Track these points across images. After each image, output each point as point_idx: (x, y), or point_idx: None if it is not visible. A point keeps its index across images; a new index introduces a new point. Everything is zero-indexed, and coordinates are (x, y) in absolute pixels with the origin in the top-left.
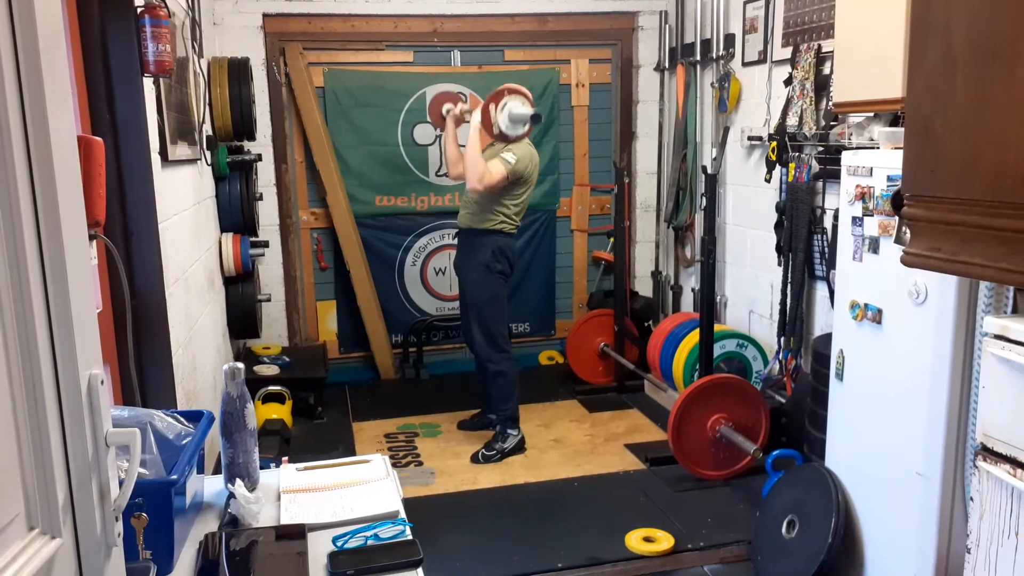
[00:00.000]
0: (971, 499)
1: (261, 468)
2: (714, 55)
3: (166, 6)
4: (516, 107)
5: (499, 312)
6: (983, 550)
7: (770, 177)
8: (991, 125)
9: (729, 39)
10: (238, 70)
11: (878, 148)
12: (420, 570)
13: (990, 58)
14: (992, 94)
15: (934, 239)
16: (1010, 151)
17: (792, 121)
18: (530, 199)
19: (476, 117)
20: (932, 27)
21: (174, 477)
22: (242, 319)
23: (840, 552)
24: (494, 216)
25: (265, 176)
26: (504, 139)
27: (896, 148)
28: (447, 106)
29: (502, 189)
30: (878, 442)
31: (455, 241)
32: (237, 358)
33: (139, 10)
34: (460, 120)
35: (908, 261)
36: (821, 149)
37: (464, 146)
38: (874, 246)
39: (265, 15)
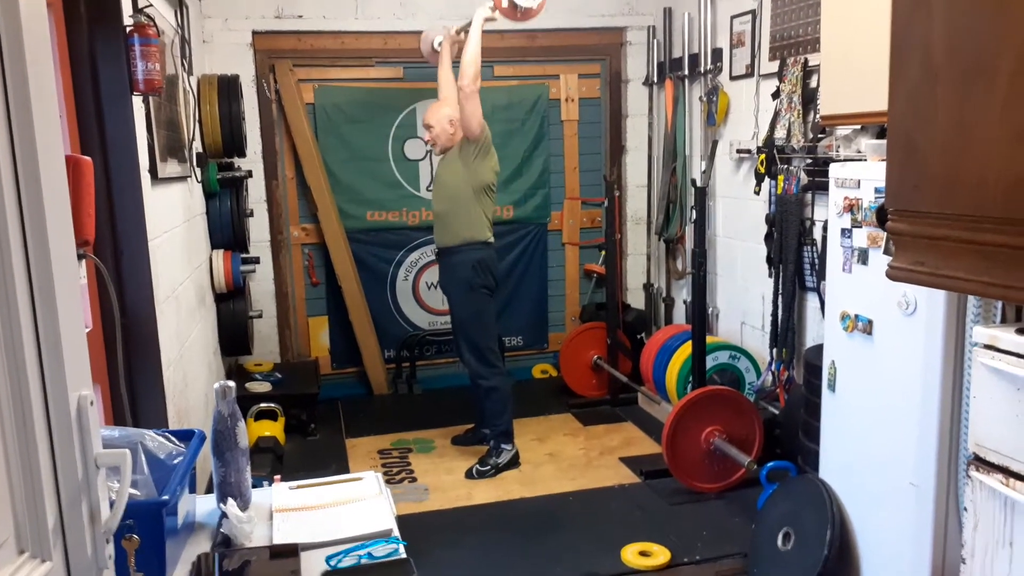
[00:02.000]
0: (965, 509)
1: (253, 487)
2: (702, 69)
3: (155, 25)
4: None
5: (486, 328)
6: (978, 560)
7: (759, 189)
8: (972, 141)
9: (717, 53)
10: (228, 87)
11: (865, 160)
12: None
13: (970, 74)
14: (972, 110)
15: (918, 253)
16: (991, 166)
17: (780, 134)
18: (521, 213)
19: (482, 11)
20: (912, 44)
21: (165, 498)
22: (233, 336)
23: (836, 563)
24: (468, 224)
25: (256, 192)
26: (513, 12)
27: (883, 160)
28: (438, 38)
29: (467, 192)
30: (871, 453)
31: (436, 258)
32: (229, 375)
33: (128, 29)
34: (456, 40)
35: (893, 275)
36: (809, 161)
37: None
38: (863, 257)
39: (255, 32)
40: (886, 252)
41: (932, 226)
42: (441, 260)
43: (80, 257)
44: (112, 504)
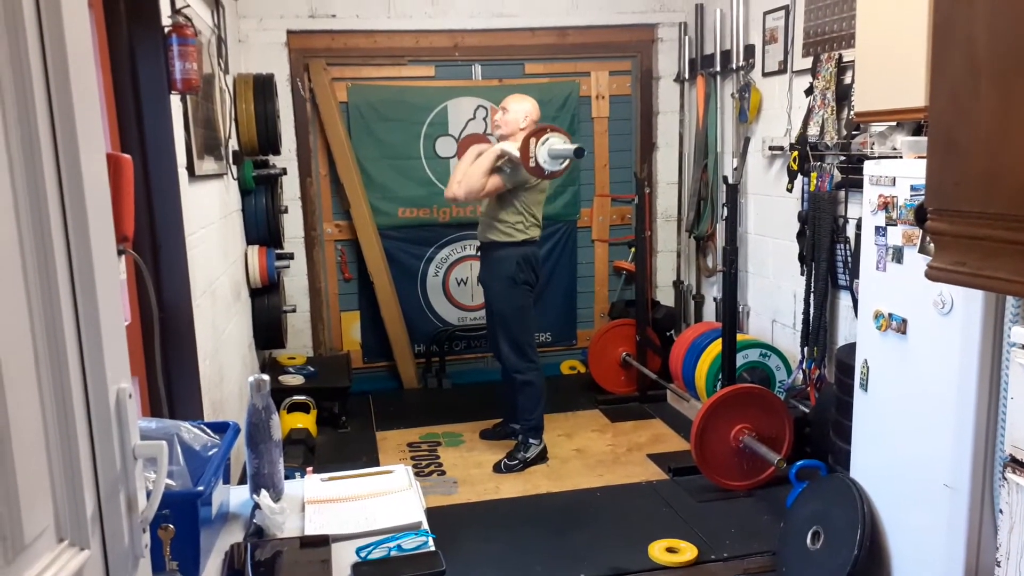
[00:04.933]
0: (1000, 511)
1: (286, 478)
2: (734, 66)
3: (192, 25)
4: (557, 143)
5: (525, 323)
6: (1013, 563)
7: (792, 187)
8: (1016, 138)
9: (749, 50)
10: (263, 86)
11: (901, 157)
12: None
13: (1014, 70)
14: (1017, 106)
15: (959, 253)
16: None
17: (813, 131)
18: (551, 210)
19: (505, 146)
20: (954, 38)
21: (200, 488)
22: (267, 330)
23: (866, 564)
24: (510, 226)
25: (290, 189)
26: (539, 172)
27: (919, 157)
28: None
29: (504, 196)
30: (904, 453)
31: (477, 253)
32: (263, 368)
33: (166, 29)
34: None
35: (933, 275)
36: (843, 158)
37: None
38: (898, 256)
39: (289, 32)
40: (922, 251)
41: (974, 226)
42: (484, 254)
43: (120, 253)
44: (149, 494)
